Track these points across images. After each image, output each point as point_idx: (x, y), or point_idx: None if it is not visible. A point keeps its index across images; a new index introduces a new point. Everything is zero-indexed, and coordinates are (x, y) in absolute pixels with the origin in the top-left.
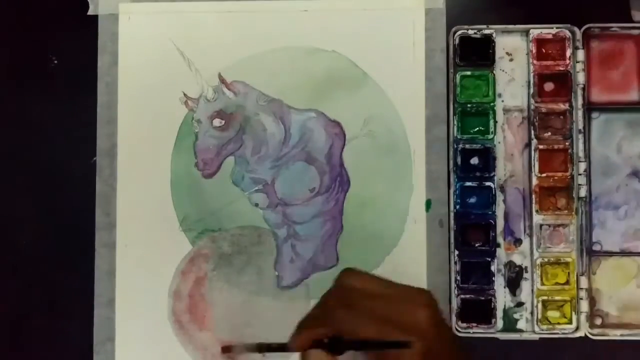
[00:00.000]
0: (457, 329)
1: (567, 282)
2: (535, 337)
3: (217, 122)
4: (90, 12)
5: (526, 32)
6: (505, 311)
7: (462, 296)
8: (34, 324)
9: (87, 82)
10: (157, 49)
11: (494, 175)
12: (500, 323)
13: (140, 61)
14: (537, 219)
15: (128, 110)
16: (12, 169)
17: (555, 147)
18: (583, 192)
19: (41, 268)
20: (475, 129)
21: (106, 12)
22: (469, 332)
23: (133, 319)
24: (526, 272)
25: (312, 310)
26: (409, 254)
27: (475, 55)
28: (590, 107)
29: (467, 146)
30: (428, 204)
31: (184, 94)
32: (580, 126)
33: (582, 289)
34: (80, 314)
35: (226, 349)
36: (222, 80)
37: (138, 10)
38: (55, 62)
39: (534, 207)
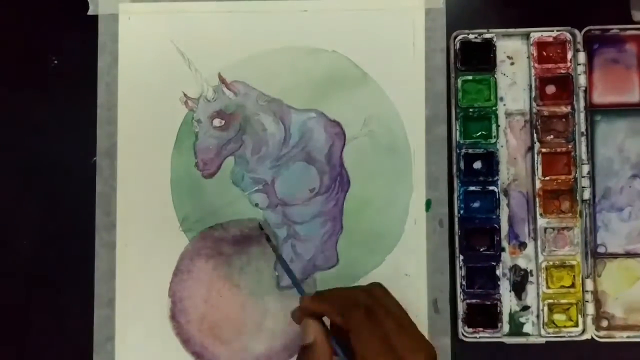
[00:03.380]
0: (463, 334)
1: (573, 285)
2: (542, 340)
3: (217, 122)
4: (90, 12)
5: (527, 36)
6: (511, 315)
7: (468, 301)
8: (34, 324)
9: (87, 82)
10: (157, 49)
11: (497, 179)
12: (506, 327)
13: (140, 61)
14: (542, 222)
15: (128, 110)
16: (12, 168)
17: (558, 150)
18: (587, 195)
19: (41, 268)
20: (478, 134)
21: (106, 12)
22: (475, 337)
23: (133, 319)
24: (531, 275)
25: (335, 291)
26: (409, 254)
27: (476, 60)
28: (592, 109)
29: (470, 150)
30: (428, 204)
31: (184, 94)
32: (583, 128)
33: (587, 291)
34: (80, 314)
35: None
36: (222, 80)
37: (138, 10)
38: (55, 62)
39: (538, 210)
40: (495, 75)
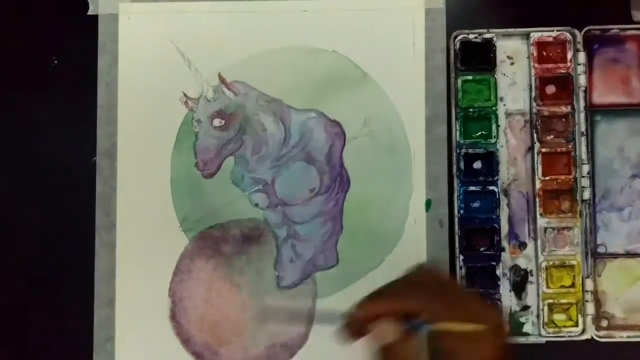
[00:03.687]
0: None
1: (573, 285)
2: (542, 340)
3: (217, 122)
4: (90, 12)
5: (527, 36)
6: (511, 315)
7: None
8: (34, 323)
9: (87, 82)
10: (157, 49)
11: (498, 179)
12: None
13: (140, 61)
14: (542, 222)
15: (128, 110)
16: (12, 168)
17: (558, 150)
18: (587, 195)
19: (41, 268)
20: (478, 134)
21: (106, 12)
22: None
23: (133, 319)
24: (531, 275)
25: (381, 288)
26: (409, 254)
27: (476, 60)
28: (592, 109)
29: (470, 150)
30: (428, 204)
31: (184, 94)
32: (583, 128)
33: (587, 291)
34: (80, 314)
35: None
36: (222, 80)
37: (138, 10)
38: (55, 62)
39: (538, 210)
40: (495, 75)
